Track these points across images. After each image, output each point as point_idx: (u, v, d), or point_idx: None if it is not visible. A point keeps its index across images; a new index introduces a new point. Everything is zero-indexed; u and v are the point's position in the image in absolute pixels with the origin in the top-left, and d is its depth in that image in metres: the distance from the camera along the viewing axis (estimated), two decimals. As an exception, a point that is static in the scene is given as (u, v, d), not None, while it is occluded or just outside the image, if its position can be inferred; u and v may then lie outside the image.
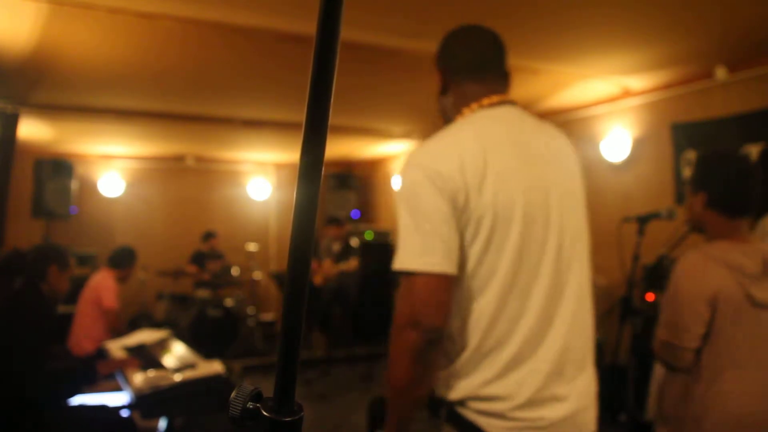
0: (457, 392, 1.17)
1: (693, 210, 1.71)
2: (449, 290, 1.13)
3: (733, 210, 1.63)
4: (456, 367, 1.18)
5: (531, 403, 1.13)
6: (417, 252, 1.12)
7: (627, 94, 4.45)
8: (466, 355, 1.17)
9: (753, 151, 3.60)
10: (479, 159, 1.15)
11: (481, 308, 1.16)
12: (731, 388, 1.53)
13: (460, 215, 1.14)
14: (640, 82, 4.18)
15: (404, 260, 1.14)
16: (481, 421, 1.14)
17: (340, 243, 6.16)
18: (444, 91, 1.35)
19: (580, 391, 1.19)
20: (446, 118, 1.36)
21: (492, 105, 1.28)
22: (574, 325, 1.20)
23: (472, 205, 1.14)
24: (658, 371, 1.92)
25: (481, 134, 1.19)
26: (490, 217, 1.14)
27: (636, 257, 2.85)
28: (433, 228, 1.12)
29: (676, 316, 1.59)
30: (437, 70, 1.36)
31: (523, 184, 1.17)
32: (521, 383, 1.14)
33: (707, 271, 1.58)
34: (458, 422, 1.17)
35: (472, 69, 1.29)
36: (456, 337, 1.19)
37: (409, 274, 1.13)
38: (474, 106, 1.28)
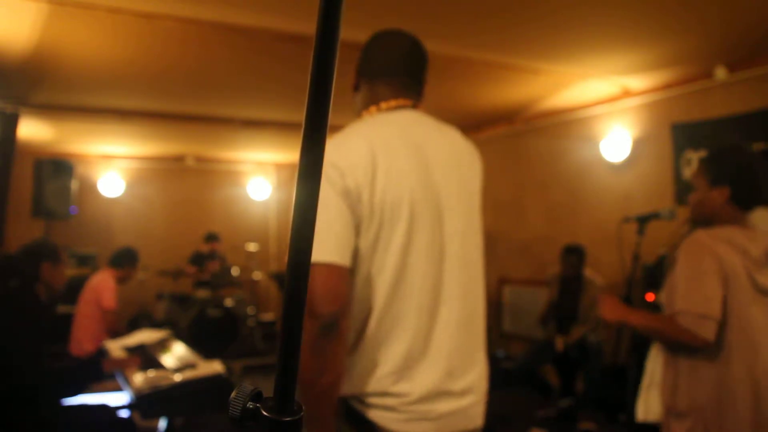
0: (350, 388, 1.21)
1: (711, 203, 1.65)
2: (342, 279, 1.14)
3: (751, 203, 1.62)
4: (349, 363, 1.22)
5: (423, 399, 1.20)
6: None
7: (627, 94, 4.45)
8: (357, 352, 1.21)
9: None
10: (368, 160, 1.19)
11: (368, 309, 1.20)
12: (742, 371, 1.51)
13: (355, 209, 1.17)
14: (640, 82, 4.17)
15: None
16: (374, 414, 1.19)
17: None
18: (356, 88, 1.41)
19: (471, 387, 1.27)
20: (357, 113, 1.42)
21: (390, 109, 1.33)
22: (460, 324, 1.26)
23: (365, 202, 1.18)
24: (650, 371, 1.89)
25: (372, 137, 1.23)
26: (378, 217, 1.19)
27: (636, 257, 2.85)
28: (327, 223, 1.15)
29: (696, 287, 1.53)
30: (355, 68, 1.40)
31: (411, 184, 1.22)
32: (415, 381, 1.19)
33: (717, 248, 1.55)
34: (352, 415, 1.22)
35: (383, 72, 1.35)
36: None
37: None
38: (373, 109, 1.34)
